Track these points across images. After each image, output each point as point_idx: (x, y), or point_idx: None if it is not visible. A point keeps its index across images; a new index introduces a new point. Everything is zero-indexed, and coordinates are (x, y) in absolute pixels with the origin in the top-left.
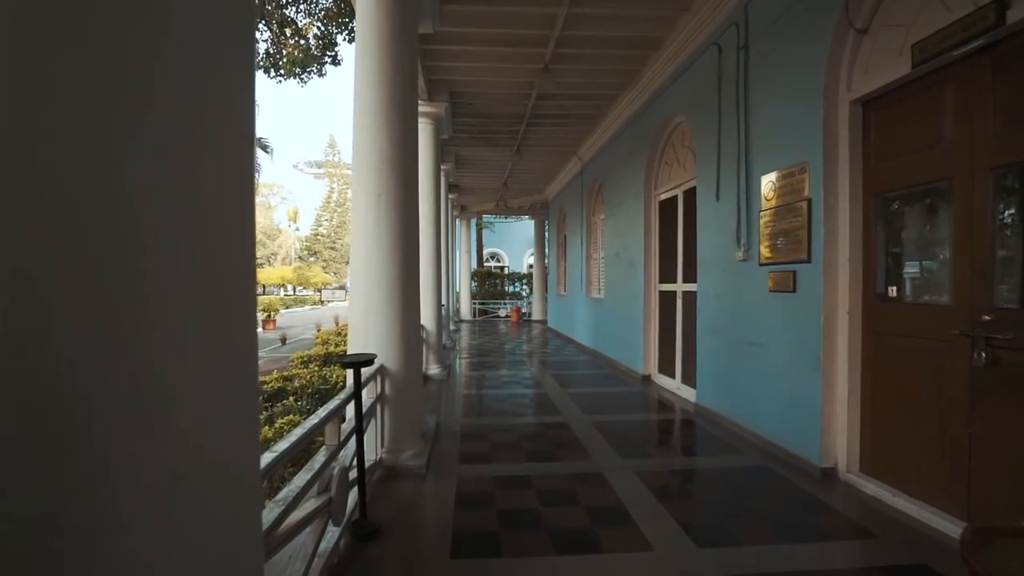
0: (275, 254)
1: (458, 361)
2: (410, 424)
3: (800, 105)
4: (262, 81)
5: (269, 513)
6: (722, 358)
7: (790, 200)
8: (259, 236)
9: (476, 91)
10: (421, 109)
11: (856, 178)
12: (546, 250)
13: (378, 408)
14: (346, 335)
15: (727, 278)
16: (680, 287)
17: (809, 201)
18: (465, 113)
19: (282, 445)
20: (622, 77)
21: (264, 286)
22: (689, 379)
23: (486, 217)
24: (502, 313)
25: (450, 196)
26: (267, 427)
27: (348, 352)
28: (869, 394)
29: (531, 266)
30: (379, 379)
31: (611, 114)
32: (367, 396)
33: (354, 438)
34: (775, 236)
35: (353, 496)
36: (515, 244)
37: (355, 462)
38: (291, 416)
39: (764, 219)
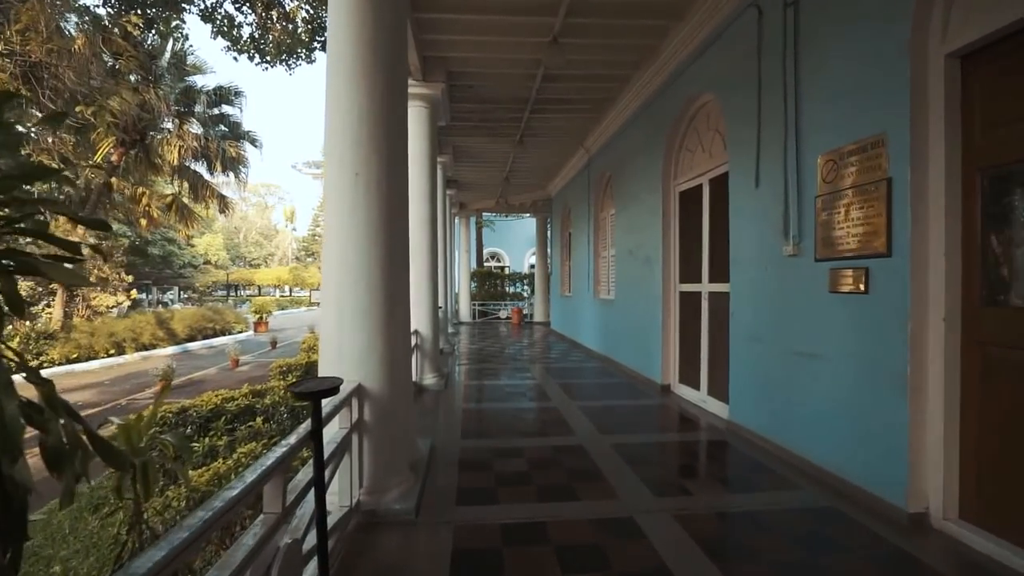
0: (272, 255)
1: (457, 368)
2: (396, 455)
3: (874, 65)
4: (250, 71)
5: None
6: (764, 370)
7: (861, 180)
8: (255, 236)
9: (476, 71)
10: (415, 90)
11: (954, 151)
12: (548, 249)
13: (354, 440)
14: None
15: (771, 276)
16: (706, 287)
17: (889, 181)
18: (464, 98)
19: None
20: (638, 53)
21: (259, 287)
22: (718, 391)
23: (486, 215)
24: (503, 315)
25: (448, 192)
26: (221, 461)
27: (319, 373)
28: (973, 420)
29: (533, 266)
30: (355, 403)
31: (624, 98)
32: (339, 426)
33: (313, 492)
34: (838, 225)
35: (312, 568)
36: (516, 243)
37: (315, 520)
38: (253, 445)
39: (821, 205)
